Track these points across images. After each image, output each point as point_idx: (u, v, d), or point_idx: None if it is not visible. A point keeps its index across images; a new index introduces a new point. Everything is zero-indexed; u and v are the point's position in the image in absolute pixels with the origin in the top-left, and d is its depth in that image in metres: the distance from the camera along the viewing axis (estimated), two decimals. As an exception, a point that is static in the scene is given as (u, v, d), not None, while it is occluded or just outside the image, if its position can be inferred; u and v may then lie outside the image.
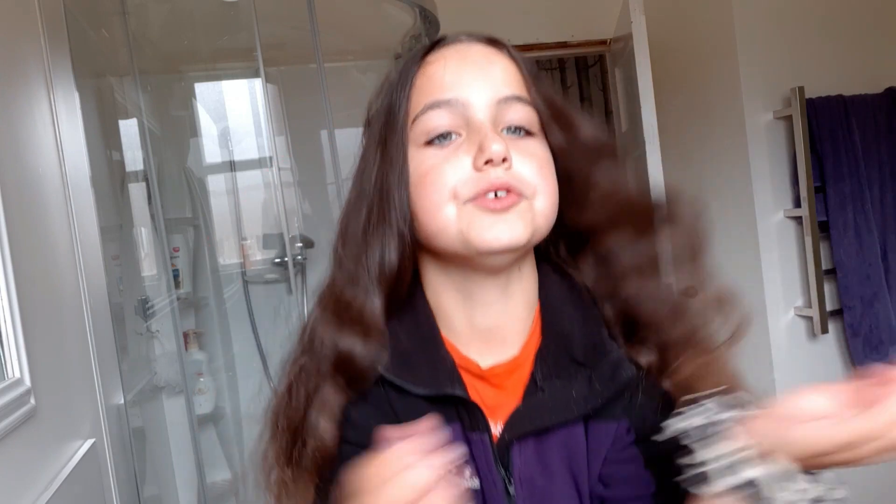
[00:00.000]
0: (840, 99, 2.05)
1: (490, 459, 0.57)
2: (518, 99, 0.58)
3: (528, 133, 0.59)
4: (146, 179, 2.12)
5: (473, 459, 0.57)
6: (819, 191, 2.03)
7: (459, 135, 0.58)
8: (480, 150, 0.55)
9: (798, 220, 2.06)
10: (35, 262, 1.19)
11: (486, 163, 0.55)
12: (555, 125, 0.60)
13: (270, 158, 2.44)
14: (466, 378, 0.60)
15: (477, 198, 0.56)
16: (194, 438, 2.04)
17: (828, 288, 2.07)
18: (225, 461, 2.40)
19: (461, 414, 0.58)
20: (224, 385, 2.43)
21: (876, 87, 2.13)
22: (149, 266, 2.20)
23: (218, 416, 2.38)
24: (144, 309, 2.06)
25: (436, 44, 0.62)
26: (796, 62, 2.08)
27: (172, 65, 2.38)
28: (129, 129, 2.16)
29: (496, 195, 0.55)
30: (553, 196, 0.59)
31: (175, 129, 2.43)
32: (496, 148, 0.54)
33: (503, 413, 0.58)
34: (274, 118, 2.32)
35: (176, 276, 2.25)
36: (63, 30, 1.51)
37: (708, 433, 0.49)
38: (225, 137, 2.46)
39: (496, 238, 0.55)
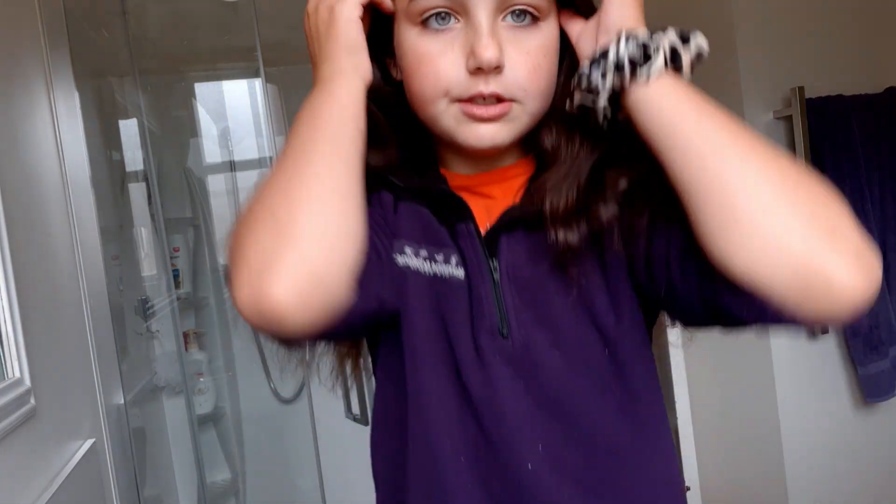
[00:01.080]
0: (840, 99, 2.05)
1: (476, 247, 0.58)
2: None
3: (535, 18, 0.56)
4: (146, 179, 2.12)
5: (460, 251, 0.59)
6: (819, 191, 2.03)
7: (457, 19, 0.55)
8: (473, 53, 0.54)
9: (798, 220, 2.06)
10: (35, 262, 1.19)
11: (479, 69, 0.54)
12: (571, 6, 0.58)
13: (270, 158, 2.44)
14: (454, 186, 0.62)
15: (466, 100, 0.56)
16: (194, 438, 2.04)
17: (828, 288, 2.07)
18: (225, 461, 2.40)
19: (448, 211, 0.60)
20: (224, 385, 2.43)
21: (876, 87, 2.13)
22: (149, 266, 2.20)
23: (218, 416, 2.38)
24: (144, 309, 2.06)
25: None
26: (796, 62, 2.07)
27: (172, 65, 2.38)
28: (129, 129, 2.17)
29: (486, 99, 0.55)
30: (546, 94, 0.58)
31: (175, 129, 2.43)
32: (488, 57, 0.53)
33: (495, 216, 0.60)
34: (274, 118, 2.32)
35: (176, 276, 2.25)
36: (63, 30, 1.51)
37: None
38: (225, 137, 2.46)
39: (479, 140, 0.57)
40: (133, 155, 2.15)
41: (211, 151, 2.46)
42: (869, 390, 2.05)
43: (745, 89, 2.04)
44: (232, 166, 2.47)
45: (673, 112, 0.51)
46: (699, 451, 1.94)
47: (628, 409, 0.60)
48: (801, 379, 2.09)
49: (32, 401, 1.05)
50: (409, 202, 0.61)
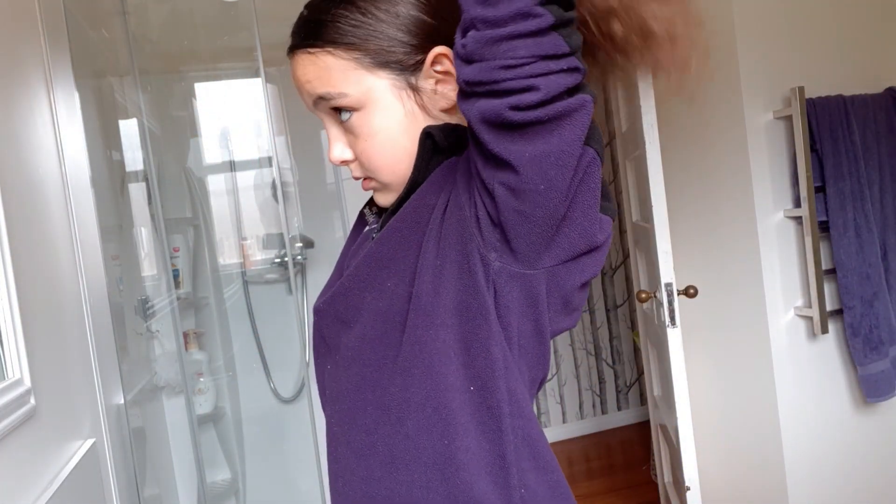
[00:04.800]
0: (840, 99, 2.05)
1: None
2: (321, 98, 0.67)
3: (351, 109, 0.67)
4: (146, 179, 2.12)
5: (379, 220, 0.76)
6: (819, 191, 2.03)
7: None
8: None
9: (798, 219, 2.06)
10: (35, 262, 1.19)
11: None
12: (388, 68, 0.66)
13: (270, 158, 2.44)
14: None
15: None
16: (194, 438, 2.04)
17: (828, 288, 2.06)
18: (225, 461, 2.40)
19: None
20: (224, 385, 2.43)
21: (876, 87, 2.13)
22: (149, 266, 2.20)
23: (218, 416, 2.38)
24: (144, 309, 2.06)
25: None
26: (796, 62, 2.07)
27: (172, 65, 2.38)
28: (129, 129, 2.17)
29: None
30: (391, 163, 0.68)
31: (175, 129, 2.43)
32: (331, 158, 0.70)
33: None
34: (274, 118, 2.32)
35: (176, 276, 2.25)
36: (63, 30, 1.51)
37: None
38: (225, 137, 2.46)
39: (381, 203, 0.73)
40: (133, 155, 2.15)
41: (211, 151, 2.46)
42: (869, 390, 2.05)
43: (745, 89, 2.04)
44: (232, 166, 2.47)
45: None
46: (699, 451, 1.95)
47: (401, 371, 0.64)
48: (801, 379, 2.09)
49: (32, 401, 1.05)
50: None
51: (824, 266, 2.05)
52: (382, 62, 0.65)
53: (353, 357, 0.67)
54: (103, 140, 1.90)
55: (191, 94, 2.44)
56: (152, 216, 2.14)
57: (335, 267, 0.80)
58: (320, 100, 0.67)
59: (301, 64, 0.67)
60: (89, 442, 1.30)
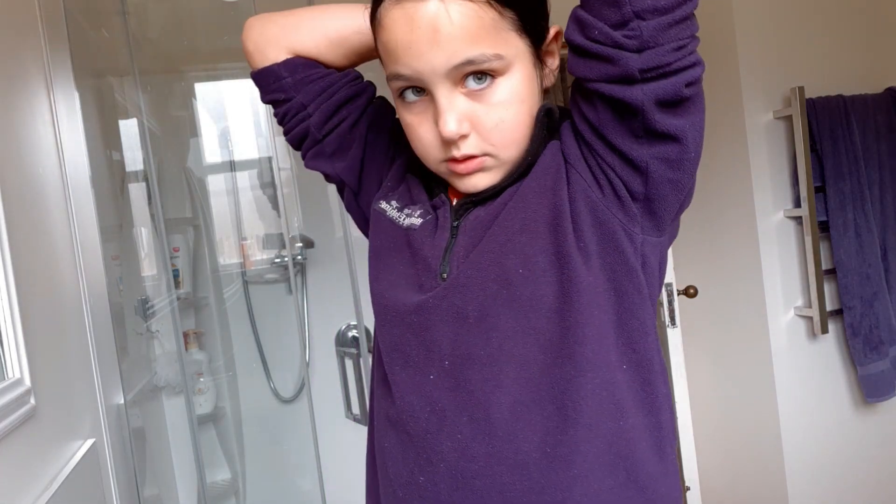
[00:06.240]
0: (840, 99, 2.05)
1: (447, 210, 0.69)
2: (471, 62, 0.60)
3: (493, 76, 0.62)
4: (146, 179, 2.12)
5: (434, 209, 0.70)
6: (819, 191, 2.03)
7: (424, 93, 0.63)
8: (438, 124, 0.62)
9: (798, 220, 2.06)
10: (35, 262, 1.19)
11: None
12: (529, 34, 0.64)
13: (270, 158, 2.44)
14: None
15: (448, 160, 0.64)
16: (194, 438, 2.04)
17: (828, 288, 2.07)
18: (225, 461, 2.40)
19: (436, 187, 0.72)
20: (224, 385, 2.43)
21: (876, 87, 2.13)
22: (149, 266, 2.20)
23: (218, 416, 2.38)
24: (144, 309, 2.06)
25: None
26: (796, 62, 2.07)
27: (172, 65, 2.38)
28: (129, 129, 2.16)
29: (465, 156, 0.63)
30: (517, 140, 0.64)
31: (175, 129, 2.43)
32: (447, 134, 0.61)
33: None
34: (274, 118, 2.32)
35: (176, 276, 2.25)
36: (63, 30, 1.51)
37: None
38: (225, 137, 2.46)
39: (469, 189, 0.66)
40: (133, 155, 2.15)
41: (211, 151, 2.46)
42: (869, 390, 2.05)
43: (745, 89, 2.04)
44: (232, 166, 2.47)
45: None
46: (699, 451, 1.95)
47: (566, 360, 0.61)
48: (801, 379, 2.09)
49: (32, 401, 1.05)
50: (413, 176, 0.74)
51: (824, 266, 2.05)
52: (531, 27, 0.63)
53: (494, 357, 0.61)
54: (103, 140, 1.90)
55: (191, 94, 2.44)
56: (152, 216, 2.14)
57: (378, 267, 0.72)
58: (462, 65, 0.59)
59: (454, 12, 0.58)
60: (89, 442, 1.30)
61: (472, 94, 0.61)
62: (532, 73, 0.64)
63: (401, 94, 0.64)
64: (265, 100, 0.80)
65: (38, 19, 1.41)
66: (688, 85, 0.56)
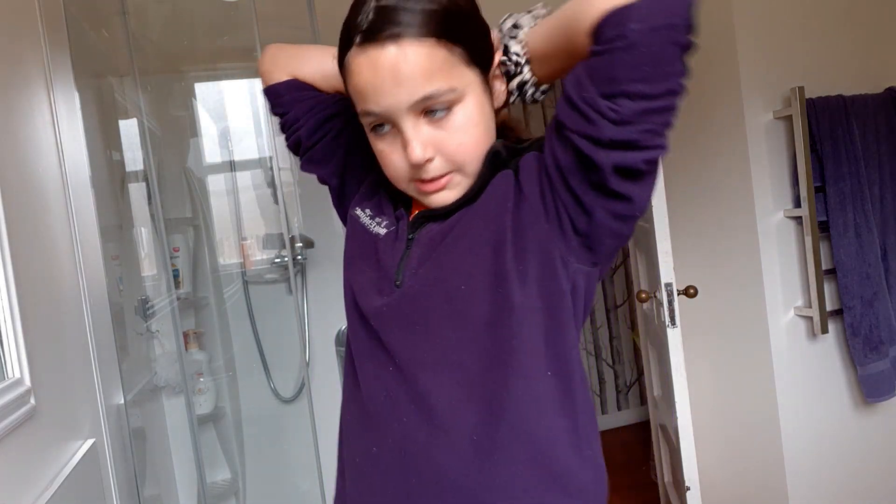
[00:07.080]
0: (840, 99, 2.05)
1: (404, 224, 0.78)
2: (429, 97, 0.68)
3: (451, 104, 0.69)
4: (146, 179, 2.12)
5: (397, 220, 0.79)
6: (819, 191, 2.03)
7: (392, 125, 0.71)
8: (405, 152, 0.70)
9: (798, 220, 2.06)
10: (35, 262, 1.19)
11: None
12: (477, 64, 0.71)
13: (270, 158, 2.44)
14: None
15: (415, 181, 0.73)
16: (194, 438, 2.04)
17: (828, 288, 2.07)
18: (225, 461, 2.40)
19: (399, 202, 0.82)
20: (224, 385, 2.43)
21: (876, 87, 2.13)
22: (149, 266, 2.20)
23: (218, 416, 2.38)
24: (144, 309, 2.06)
25: (349, 36, 0.70)
26: (796, 62, 2.08)
27: (172, 65, 2.38)
28: (129, 129, 2.17)
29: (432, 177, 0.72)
30: (479, 149, 0.72)
31: (175, 129, 2.43)
32: (414, 159, 0.69)
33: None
34: (273, 118, 2.32)
35: (176, 276, 2.25)
36: (63, 30, 1.51)
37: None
38: (225, 137, 2.46)
39: (436, 204, 0.74)
40: (133, 155, 2.15)
41: (211, 151, 2.46)
42: (869, 390, 2.05)
43: (745, 89, 2.04)
44: (232, 166, 2.47)
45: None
46: (699, 451, 1.95)
47: (497, 367, 0.69)
48: (801, 379, 2.09)
49: (32, 401, 1.05)
50: (384, 190, 0.83)
51: (824, 266, 2.05)
52: (478, 58, 0.71)
53: (439, 362, 0.71)
54: (103, 140, 1.90)
55: (191, 94, 2.44)
56: (152, 216, 2.14)
57: (352, 269, 0.82)
58: (421, 100, 0.68)
59: (410, 55, 0.66)
60: (89, 442, 1.30)
61: (433, 123, 0.70)
62: (483, 98, 0.73)
63: (372, 128, 0.73)
64: (272, 112, 0.94)
65: (38, 20, 1.41)
66: (647, 162, 0.63)
